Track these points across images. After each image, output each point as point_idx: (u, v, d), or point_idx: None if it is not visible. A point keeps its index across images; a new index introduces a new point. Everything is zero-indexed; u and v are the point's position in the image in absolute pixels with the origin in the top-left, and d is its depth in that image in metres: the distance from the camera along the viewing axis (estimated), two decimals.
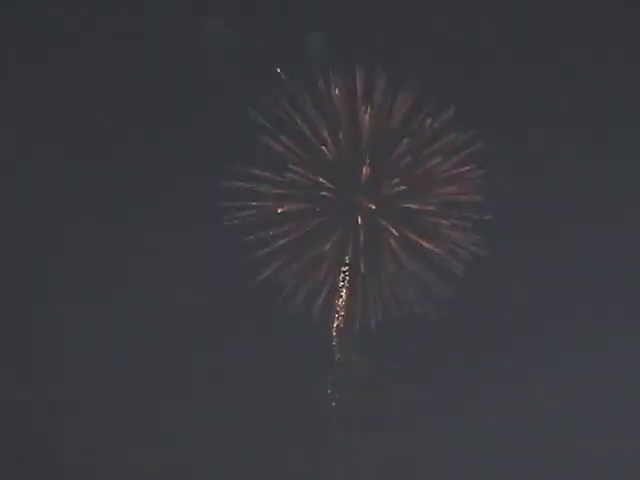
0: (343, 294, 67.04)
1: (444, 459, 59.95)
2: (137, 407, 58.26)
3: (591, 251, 60.31)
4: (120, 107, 58.68)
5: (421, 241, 65.50)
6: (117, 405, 58.19)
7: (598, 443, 58.43)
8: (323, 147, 65.28)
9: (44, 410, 57.52)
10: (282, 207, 64.73)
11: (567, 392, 58.88)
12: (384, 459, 60.70)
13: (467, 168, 65.22)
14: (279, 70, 63.45)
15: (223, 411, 58.72)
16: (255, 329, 60.56)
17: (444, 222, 66.15)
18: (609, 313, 59.83)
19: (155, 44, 58.22)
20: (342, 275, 67.47)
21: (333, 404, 64.02)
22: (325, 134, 65.12)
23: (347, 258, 66.69)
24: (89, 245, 58.73)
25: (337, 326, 66.63)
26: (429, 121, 65.18)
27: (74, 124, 58.39)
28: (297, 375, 59.74)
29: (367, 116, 66.07)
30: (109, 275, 59.27)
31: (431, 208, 66.33)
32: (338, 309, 67.07)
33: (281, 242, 64.59)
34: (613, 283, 59.74)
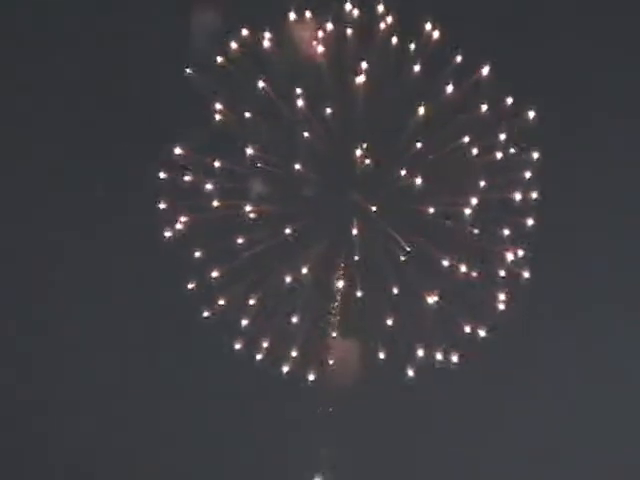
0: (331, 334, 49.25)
1: (443, 459, 60.90)
2: (137, 407, 59.11)
3: (592, 251, 56.99)
4: (120, 107, 59.56)
5: (439, 255, 47.14)
6: (117, 405, 58.81)
7: (598, 443, 59.53)
8: (305, 132, 47.11)
9: (44, 410, 58.26)
10: (254, 209, 48.05)
11: (567, 392, 59.49)
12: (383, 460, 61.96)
13: (509, 152, 47.26)
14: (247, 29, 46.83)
15: (223, 411, 59.94)
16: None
17: (472, 230, 47.28)
18: (609, 312, 58.62)
19: (155, 44, 58.66)
20: (332, 305, 49.17)
21: (330, 409, 52.14)
22: (306, 109, 46.67)
23: (339, 278, 48.70)
24: (89, 245, 59.24)
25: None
26: (452, 83, 46.55)
27: (74, 124, 59.45)
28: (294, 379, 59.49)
29: (362, 78, 46.34)
30: (110, 275, 60.21)
31: (454, 211, 47.13)
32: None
33: (248, 255, 47.82)
34: (613, 282, 58.14)
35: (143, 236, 53.16)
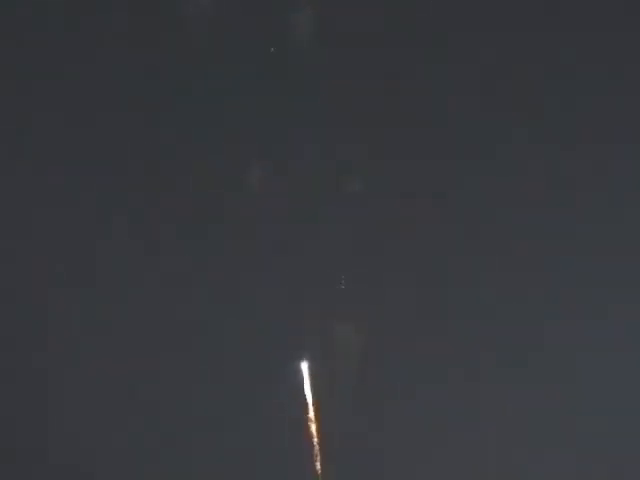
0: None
1: (442, 459, 60.90)
2: (137, 407, 59.48)
3: (592, 249, 61.11)
4: (120, 107, 59.84)
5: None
6: (117, 405, 59.28)
7: (598, 442, 59.70)
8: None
9: (44, 410, 58.64)
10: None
11: (567, 390, 59.85)
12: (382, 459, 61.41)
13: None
14: None
15: (224, 412, 60.08)
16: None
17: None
18: (610, 311, 61.02)
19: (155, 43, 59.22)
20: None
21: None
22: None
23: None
24: (90, 244, 60.03)
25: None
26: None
27: (75, 124, 59.92)
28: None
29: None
30: (110, 274, 60.84)
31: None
32: None
33: None
34: (613, 281, 61.23)
35: (143, 235, 54.49)
